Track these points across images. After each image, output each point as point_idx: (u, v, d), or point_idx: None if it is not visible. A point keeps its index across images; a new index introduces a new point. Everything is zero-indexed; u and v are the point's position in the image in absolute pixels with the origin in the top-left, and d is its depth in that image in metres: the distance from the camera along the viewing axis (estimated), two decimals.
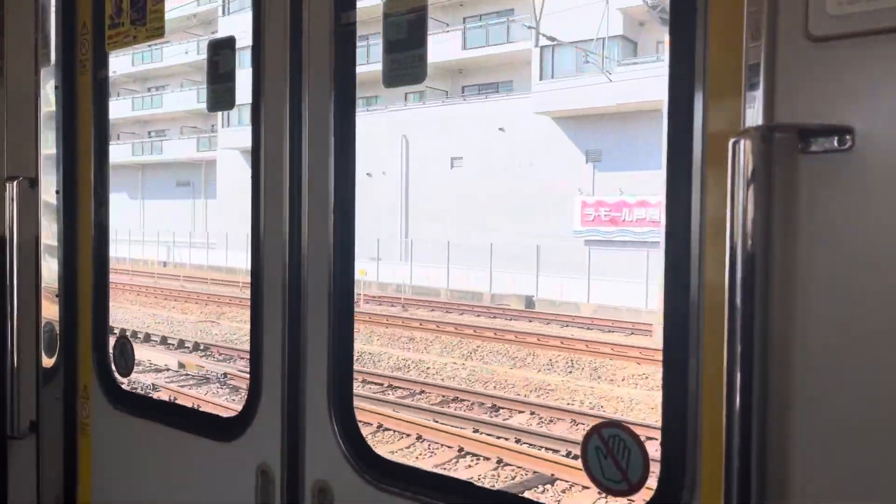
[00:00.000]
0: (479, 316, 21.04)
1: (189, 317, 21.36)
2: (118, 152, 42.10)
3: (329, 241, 1.97)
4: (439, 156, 29.42)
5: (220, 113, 33.34)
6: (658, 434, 1.47)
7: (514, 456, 8.82)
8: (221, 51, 2.36)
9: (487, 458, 8.94)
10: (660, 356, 1.44)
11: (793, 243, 1.11)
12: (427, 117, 30.50)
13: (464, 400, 11.78)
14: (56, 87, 2.69)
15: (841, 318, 1.08)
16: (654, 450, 1.43)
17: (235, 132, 37.75)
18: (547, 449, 9.12)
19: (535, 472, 8.45)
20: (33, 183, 2.68)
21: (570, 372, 14.33)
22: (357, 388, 10.13)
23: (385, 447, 9.34)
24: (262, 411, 2.10)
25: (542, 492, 8.02)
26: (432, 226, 28.46)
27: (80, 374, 2.72)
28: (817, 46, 1.10)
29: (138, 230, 39.40)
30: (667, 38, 1.45)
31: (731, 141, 1.11)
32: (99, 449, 2.68)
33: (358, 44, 1.98)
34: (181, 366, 14.47)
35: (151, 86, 47.31)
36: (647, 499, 1.45)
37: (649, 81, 21.96)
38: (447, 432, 9.72)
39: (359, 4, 1.95)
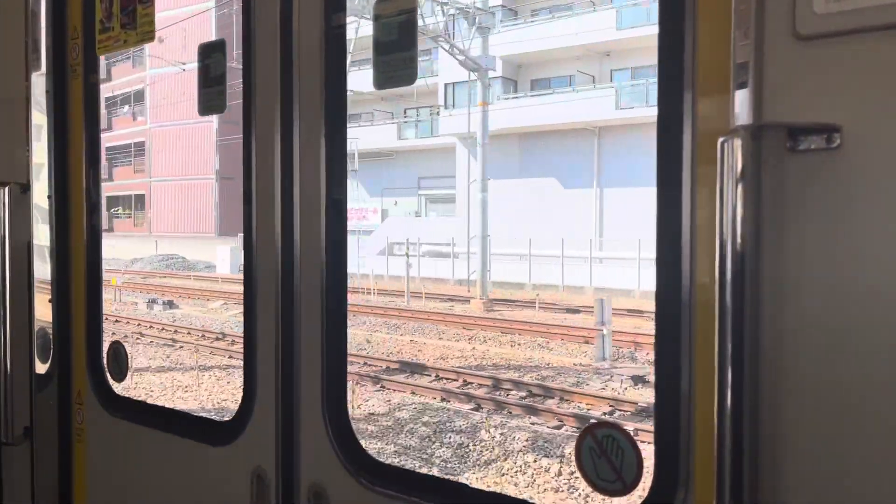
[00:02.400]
0: None
1: None
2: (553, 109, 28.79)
3: (321, 243, 1.97)
4: None
5: None
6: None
7: None
8: (212, 54, 2.36)
9: None
10: None
11: (782, 241, 1.11)
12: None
13: None
14: (47, 92, 2.68)
15: (830, 315, 1.08)
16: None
17: None
18: None
19: None
20: (25, 188, 2.67)
21: None
22: None
23: None
24: (256, 415, 2.10)
25: None
26: None
27: (73, 380, 2.72)
28: (805, 45, 1.10)
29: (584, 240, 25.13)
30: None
31: (720, 140, 1.11)
32: (94, 455, 2.67)
33: None
34: None
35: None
36: (643, 496, 1.45)
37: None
38: None
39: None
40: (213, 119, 39.11)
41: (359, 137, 32.74)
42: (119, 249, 38.74)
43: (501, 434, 9.39)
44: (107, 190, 46.67)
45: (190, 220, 44.71)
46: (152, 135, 46.75)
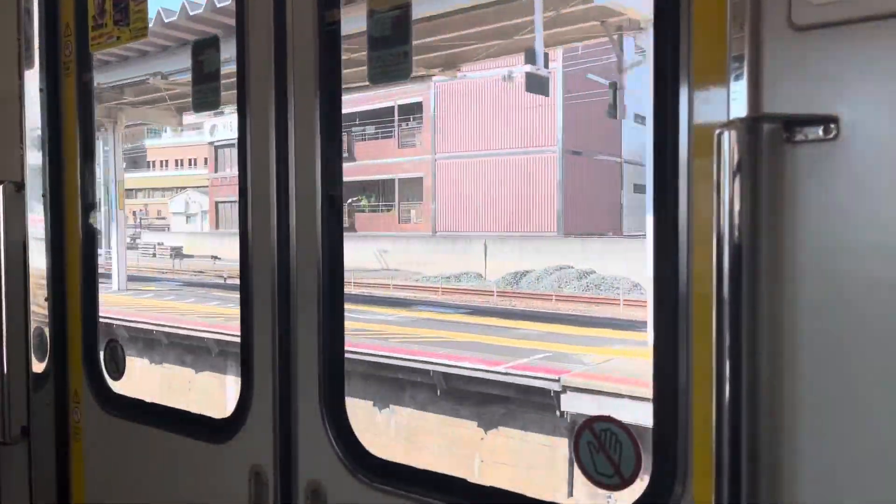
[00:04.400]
0: None
1: None
2: None
3: (317, 238, 1.96)
4: None
5: None
6: None
7: None
8: (206, 50, 2.35)
9: None
10: None
11: (779, 233, 1.10)
12: None
13: None
14: (40, 90, 2.66)
15: (828, 307, 1.08)
16: None
17: None
18: None
19: None
20: (19, 187, 2.66)
21: None
22: None
23: None
24: (253, 412, 2.09)
25: None
26: None
27: (70, 379, 2.71)
28: (801, 36, 1.09)
29: None
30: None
31: (717, 132, 1.10)
32: (91, 453, 2.66)
33: None
34: None
35: None
36: (641, 490, 1.45)
37: None
38: None
39: None
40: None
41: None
42: (395, 257, 25.24)
43: None
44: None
45: (503, 213, 29.73)
46: (440, 91, 30.31)
